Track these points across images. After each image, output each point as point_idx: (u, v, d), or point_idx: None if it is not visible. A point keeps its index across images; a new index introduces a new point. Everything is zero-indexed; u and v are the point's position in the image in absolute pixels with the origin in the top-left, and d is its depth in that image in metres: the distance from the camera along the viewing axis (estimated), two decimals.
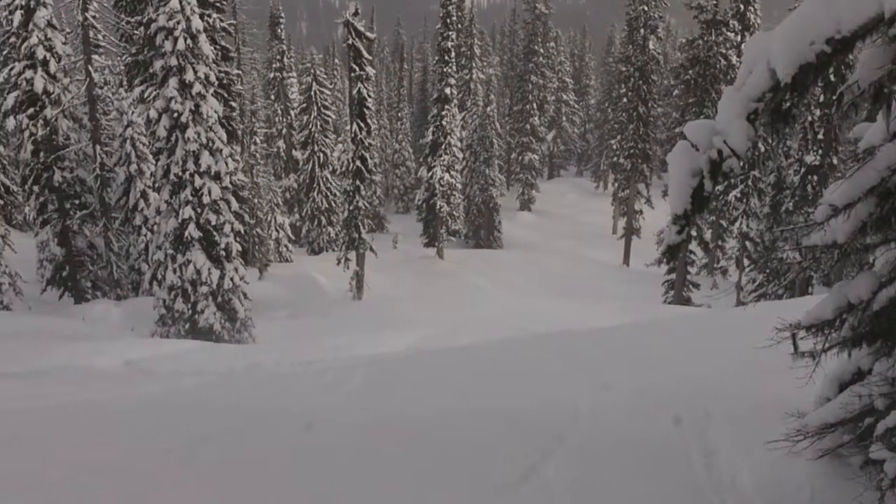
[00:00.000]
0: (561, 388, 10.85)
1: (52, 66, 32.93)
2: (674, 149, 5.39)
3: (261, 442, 9.10)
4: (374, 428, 9.41)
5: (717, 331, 15.30)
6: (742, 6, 44.44)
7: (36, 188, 33.92)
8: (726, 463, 7.36)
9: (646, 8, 56.17)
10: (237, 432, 9.46)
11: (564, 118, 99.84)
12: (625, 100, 58.94)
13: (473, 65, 77.64)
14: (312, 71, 61.50)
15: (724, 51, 44.26)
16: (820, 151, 34.92)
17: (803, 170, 35.38)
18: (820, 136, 34.91)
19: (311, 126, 59.77)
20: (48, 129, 32.97)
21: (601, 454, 8.02)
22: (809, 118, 34.74)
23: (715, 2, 43.84)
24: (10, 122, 33.01)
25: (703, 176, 5.21)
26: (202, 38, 27.38)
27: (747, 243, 41.86)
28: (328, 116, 61.02)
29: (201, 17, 29.90)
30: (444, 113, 55.96)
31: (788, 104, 5.24)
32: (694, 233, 42.33)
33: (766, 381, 8.74)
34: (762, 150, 40.12)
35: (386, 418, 10.02)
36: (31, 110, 32.97)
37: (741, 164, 5.26)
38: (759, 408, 8.26)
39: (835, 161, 34.94)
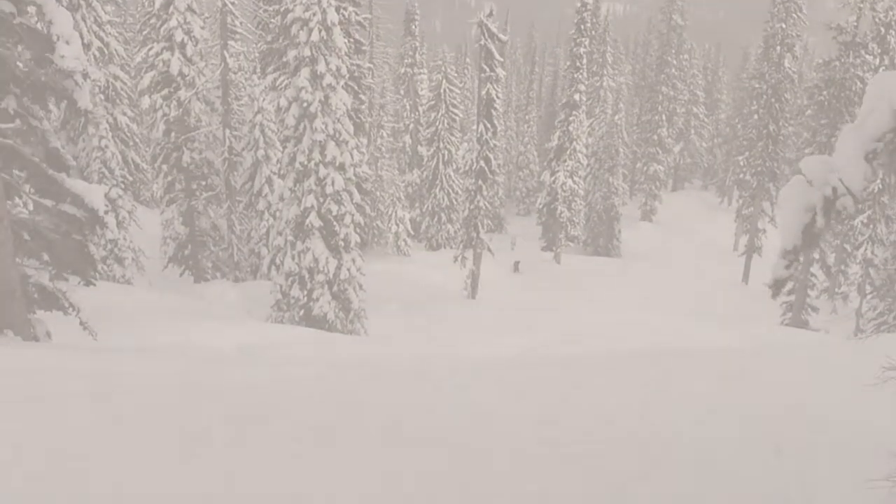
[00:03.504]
0: (662, 413, 10.74)
1: (189, 50, 33.78)
2: (788, 183, 5.34)
3: (344, 438, 9.14)
4: (458, 444, 9.38)
5: (831, 361, 15.01)
6: (883, 29, 43.36)
7: (165, 167, 34.90)
8: (824, 501, 7.25)
9: (784, 25, 55.13)
10: (327, 428, 9.55)
11: (693, 131, 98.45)
12: (756, 117, 57.92)
13: (605, 72, 77.15)
14: (444, 69, 61.77)
15: (860, 74, 43.19)
16: None
17: None
18: None
19: (437, 123, 60.13)
20: (181, 110, 33.87)
21: (699, 485, 7.94)
22: None
23: (855, 23, 42.82)
24: (146, 101, 34.00)
25: (816, 212, 5.16)
26: (336, 30, 27.79)
27: (871, 270, 40.88)
28: (455, 115, 61.30)
29: (337, 10, 30.34)
30: (571, 118, 55.93)
31: None
32: (817, 256, 41.55)
33: (875, 416, 8.59)
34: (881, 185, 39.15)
35: (474, 426, 10.02)
36: (165, 91, 33.93)
37: (856, 203, 5.19)
38: (865, 443, 8.12)
39: None
